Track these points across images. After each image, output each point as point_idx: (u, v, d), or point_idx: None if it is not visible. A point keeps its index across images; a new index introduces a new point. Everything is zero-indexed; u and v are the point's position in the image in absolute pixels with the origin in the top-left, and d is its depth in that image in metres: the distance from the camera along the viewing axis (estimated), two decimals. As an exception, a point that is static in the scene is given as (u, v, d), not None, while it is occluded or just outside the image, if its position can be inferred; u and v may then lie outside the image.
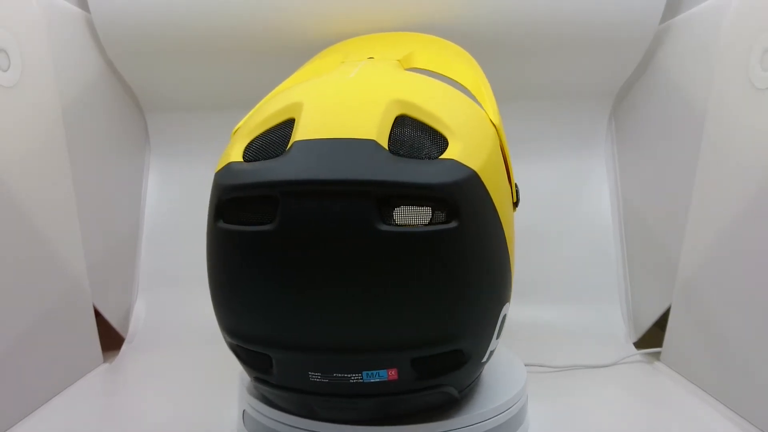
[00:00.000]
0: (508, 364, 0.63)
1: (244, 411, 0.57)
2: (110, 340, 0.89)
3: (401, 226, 0.42)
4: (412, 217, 0.43)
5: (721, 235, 0.71)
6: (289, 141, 0.45)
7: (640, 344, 0.89)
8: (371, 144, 0.43)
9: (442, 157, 0.44)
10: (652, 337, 0.89)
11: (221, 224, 0.45)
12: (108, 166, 0.93)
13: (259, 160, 0.45)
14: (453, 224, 0.42)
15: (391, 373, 0.46)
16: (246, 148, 0.47)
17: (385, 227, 0.42)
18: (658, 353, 0.84)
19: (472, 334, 0.47)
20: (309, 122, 0.45)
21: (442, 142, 0.45)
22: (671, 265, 0.82)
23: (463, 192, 0.43)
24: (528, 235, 0.81)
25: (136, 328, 0.94)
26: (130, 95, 0.98)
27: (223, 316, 0.49)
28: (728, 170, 0.70)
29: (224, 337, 0.51)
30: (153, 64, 0.92)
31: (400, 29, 0.84)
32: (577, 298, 0.96)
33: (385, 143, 0.44)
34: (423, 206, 0.43)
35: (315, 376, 0.47)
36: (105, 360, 0.85)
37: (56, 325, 0.74)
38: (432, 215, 0.43)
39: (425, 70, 0.56)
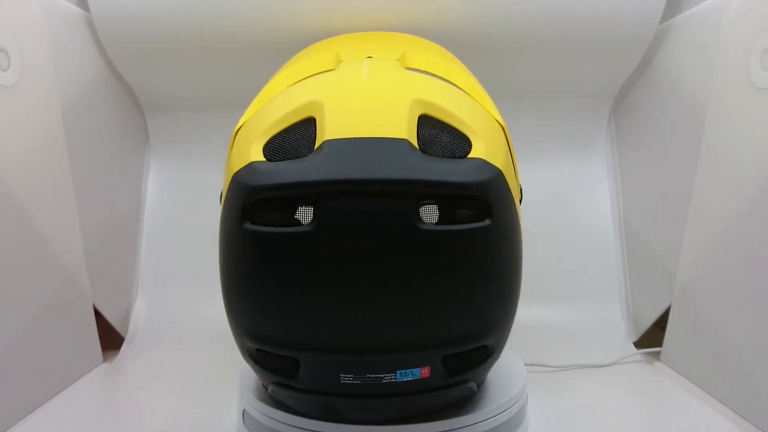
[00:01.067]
0: (508, 363, 0.63)
1: (244, 411, 0.57)
2: (110, 339, 0.89)
3: (438, 224, 0.43)
4: (444, 215, 0.43)
5: (721, 235, 0.71)
6: (314, 140, 0.44)
7: (640, 344, 0.89)
8: (405, 143, 0.43)
9: (470, 156, 0.44)
10: (652, 337, 0.89)
11: (248, 226, 0.43)
12: (108, 166, 0.93)
13: (284, 160, 0.44)
14: (487, 222, 0.43)
15: (424, 371, 0.46)
16: (266, 147, 0.45)
17: (425, 226, 0.42)
18: (658, 353, 0.84)
19: (499, 330, 0.48)
20: (336, 121, 0.44)
21: (465, 142, 0.45)
22: (671, 264, 0.82)
23: (494, 190, 0.43)
24: (528, 235, 0.81)
25: (136, 328, 0.94)
26: (130, 95, 0.98)
27: (245, 320, 0.47)
28: (728, 170, 0.70)
29: (243, 342, 0.49)
30: (153, 64, 0.92)
31: (403, 29, 0.84)
32: (577, 298, 0.96)
33: (415, 142, 0.44)
34: (457, 205, 0.43)
35: (347, 378, 0.46)
36: (105, 360, 0.85)
37: (56, 324, 0.74)
38: (464, 214, 0.43)
39: (423, 70, 0.56)
